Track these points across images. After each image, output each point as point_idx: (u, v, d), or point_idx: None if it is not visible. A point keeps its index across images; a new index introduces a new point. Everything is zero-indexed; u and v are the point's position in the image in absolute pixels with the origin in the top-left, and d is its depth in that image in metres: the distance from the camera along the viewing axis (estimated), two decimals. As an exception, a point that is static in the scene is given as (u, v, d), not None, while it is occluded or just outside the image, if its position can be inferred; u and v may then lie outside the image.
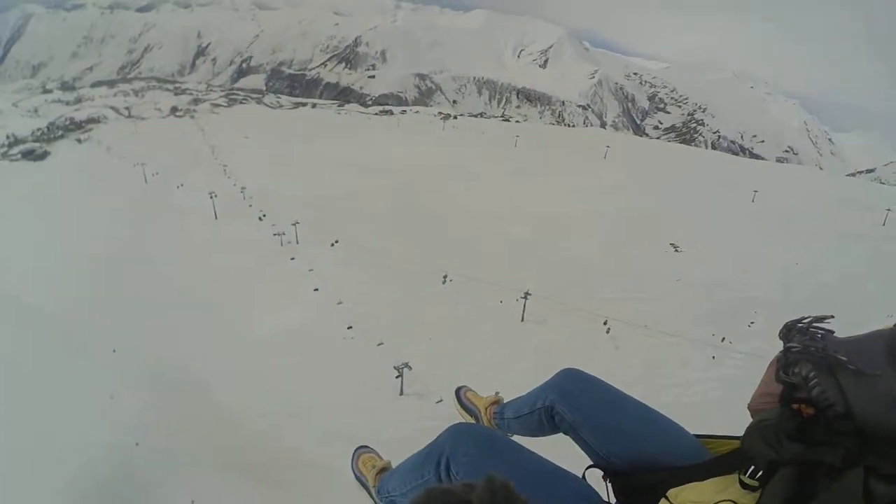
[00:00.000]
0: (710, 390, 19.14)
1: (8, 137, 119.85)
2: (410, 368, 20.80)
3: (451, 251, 35.80)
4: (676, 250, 37.12)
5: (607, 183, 53.34)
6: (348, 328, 26.53)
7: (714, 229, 40.95)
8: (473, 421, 3.67)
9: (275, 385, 25.11)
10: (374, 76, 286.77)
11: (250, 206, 48.71)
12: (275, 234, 38.99)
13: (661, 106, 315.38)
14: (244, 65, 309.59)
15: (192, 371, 28.41)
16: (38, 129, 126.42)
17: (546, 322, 25.92)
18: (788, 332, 1.87)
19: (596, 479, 2.39)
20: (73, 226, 48.66)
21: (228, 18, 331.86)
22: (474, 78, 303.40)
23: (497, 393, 3.77)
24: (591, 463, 2.51)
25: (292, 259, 36.05)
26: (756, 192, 48.97)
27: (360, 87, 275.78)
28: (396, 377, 20.75)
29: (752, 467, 1.75)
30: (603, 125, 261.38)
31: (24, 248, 44.69)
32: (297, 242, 38.94)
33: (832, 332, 1.80)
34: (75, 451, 18.73)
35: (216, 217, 47.16)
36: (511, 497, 1.17)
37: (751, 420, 1.91)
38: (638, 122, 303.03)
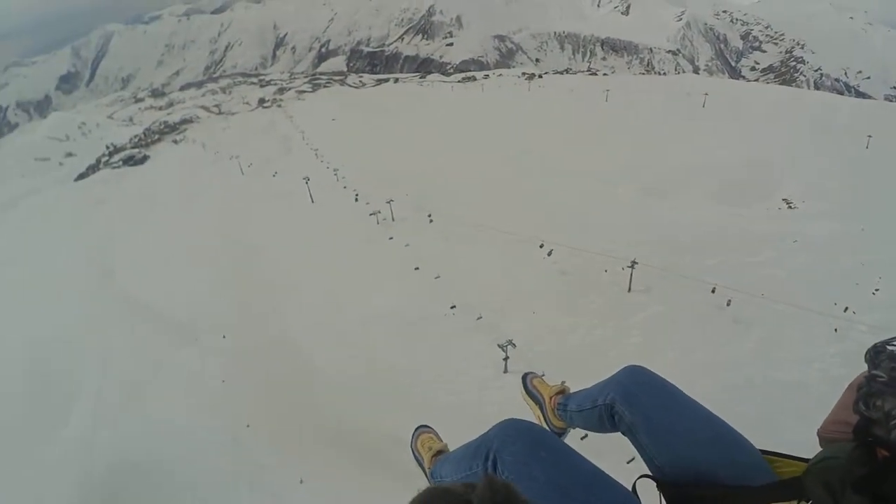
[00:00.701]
0: (832, 367, 17.12)
1: (108, 147, 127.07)
2: (514, 346, 19.96)
3: (552, 217, 33.85)
4: (790, 206, 33.97)
5: (709, 134, 49.42)
6: (451, 307, 25.46)
7: (829, 182, 36.70)
8: (538, 409, 3.62)
9: (379, 364, 24.41)
10: (452, 44, 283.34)
11: (344, 187, 48.27)
12: (371, 214, 38.35)
13: (756, 45, 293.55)
14: (323, 49, 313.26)
15: (299, 354, 28.28)
16: (135, 136, 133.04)
17: (654, 291, 23.99)
18: (876, 355, 1.61)
19: (650, 488, 2.25)
20: (176, 223, 50.09)
21: (301, 6, 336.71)
22: (555, 33, 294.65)
23: (563, 382, 3.59)
24: (646, 472, 2.35)
25: (390, 238, 35.29)
26: (870, 137, 43.21)
27: (440, 57, 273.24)
28: (504, 359, 19.91)
29: None
30: (696, 70, 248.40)
31: (134, 249, 46.37)
32: (393, 220, 38.14)
33: None
34: (186, 435, 17.76)
35: (312, 200, 47.25)
36: (511, 497, 1.18)
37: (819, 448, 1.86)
38: (733, 64, 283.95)
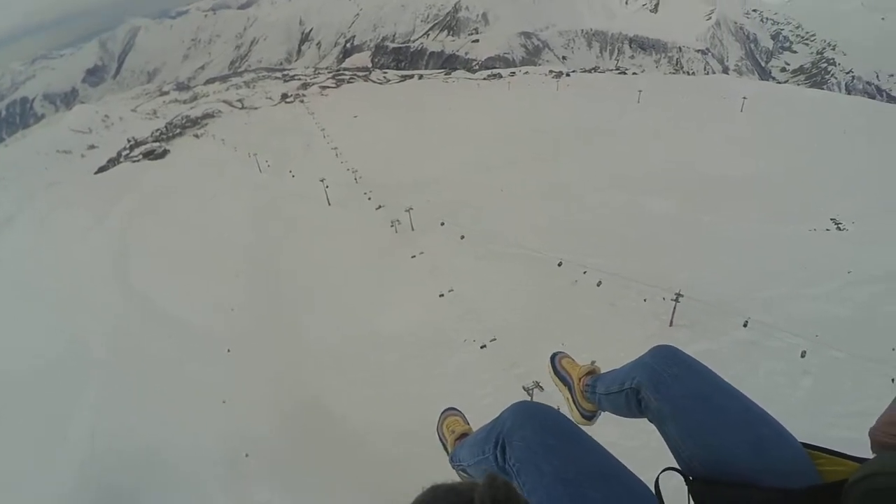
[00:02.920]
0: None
1: (129, 141, 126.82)
2: (542, 389, 18.70)
3: (585, 235, 31.28)
4: (839, 228, 31.00)
5: (749, 142, 46.46)
6: (482, 346, 23.30)
7: (879, 201, 33.51)
8: (567, 390, 3.43)
9: (392, 395, 22.60)
10: (477, 40, 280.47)
11: (365, 194, 45.84)
12: (391, 224, 36.42)
13: (787, 45, 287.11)
14: (348, 45, 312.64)
15: (306, 378, 26.54)
16: (157, 130, 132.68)
17: (699, 327, 21.59)
18: None
19: (674, 482, 2.07)
20: (191, 224, 48.38)
21: (327, 2, 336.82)
22: (582, 31, 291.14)
23: (593, 362, 3.40)
24: (672, 465, 2.14)
25: (413, 257, 32.98)
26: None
27: (466, 53, 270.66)
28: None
29: None
30: (725, 70, 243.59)
31: (148, 249, 44.81)
32: (413, 230, 36.08)
33: None
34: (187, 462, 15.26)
35: (329, 203, 45.26)
36: (512, 497, 1.16)
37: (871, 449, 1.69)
38: (763, 64, 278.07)
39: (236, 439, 21.88)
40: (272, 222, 44.07)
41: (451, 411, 3.78)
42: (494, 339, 23.56)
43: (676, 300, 21.05)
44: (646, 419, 2.46)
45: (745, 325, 20.24)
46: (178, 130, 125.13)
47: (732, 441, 1.97)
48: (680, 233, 30.74)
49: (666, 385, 2.28)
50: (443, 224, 35.28)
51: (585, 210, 35.25)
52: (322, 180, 45.53)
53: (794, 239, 29.33)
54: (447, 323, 25.03)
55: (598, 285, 25.25)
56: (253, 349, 28.40)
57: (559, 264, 27.35)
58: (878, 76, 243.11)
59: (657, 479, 2.00)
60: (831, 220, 31.74)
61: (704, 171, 39.37)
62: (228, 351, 28.75)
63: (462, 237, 33.32)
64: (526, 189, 40.54)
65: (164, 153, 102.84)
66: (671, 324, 21.36)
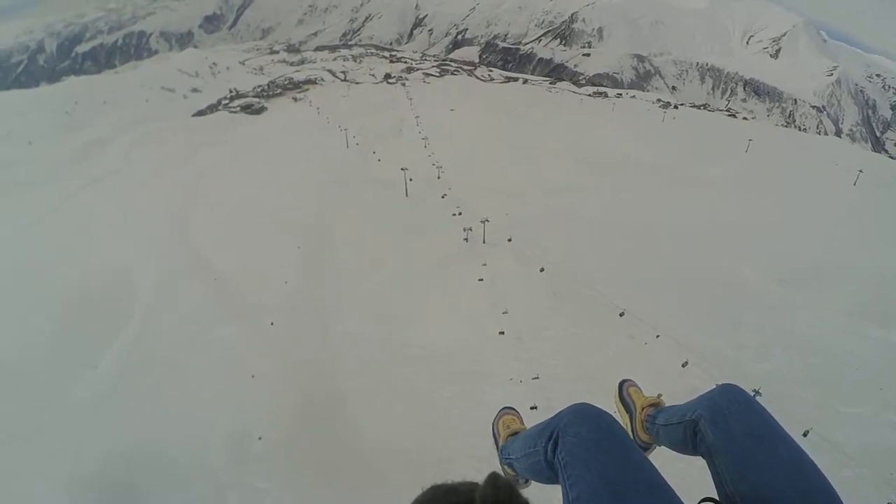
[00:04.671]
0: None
1: (230, 91, 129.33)
2: None
3: (672, 296, 28.63)
4: None
5: (856, 224, 42.18)
6: (537, 408, 21.37)
7: None
8: (628, 417, 3.41)
9: (423, 420, 21.02)
10: (588, 54, 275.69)
11: (444, 196, 44.21)
12: (464, 230, 34.71)
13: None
14: (459, 36, 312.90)
15: (336, 374, 25.38)
16: (259, 86, 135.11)
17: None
18: None
19: None
20: (266, 187, 47.99)
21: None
22: (697, 64, 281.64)
23: (660, 395, 3.42)
24: (713, 497, 2.17)
25: (481, 277, 30.76)
26: None
27: (574, 65, 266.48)
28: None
29: None
30: (838, 133, 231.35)
31: (216, 204, 44.61)
32: (484, 242, 34.33)
33: None
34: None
35: (407, 194, 43.94)
36: (514, 498, 1.18)
37: None
38: (878, 134, 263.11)
39: (253, 420, 21.32)
40: (345, 201, 43.16)
41: (508, 409, 3.76)
42: (537, 378, 21.85)
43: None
44: (695, 456, 2.44)
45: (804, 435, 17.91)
46: (278, 90, 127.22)
47: (781, 485, 1.95)
48: (768, 313, 27.82)
49: (725, 420, 2.26)
50: (510, 240, 34.12)
51: (666, 258, 32.69)
52: (404, 169, 44.33)
53: (890, 345, 26.01)
54: (494, 355, 23.26)
55: (675, 358, 22.98)
56: (295, 328, 27.40)
57: (636, 323, 25.17)
58: None
59: None
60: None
61: (805, 250, 35.59)
62: (272, 324, 27.83)
63: (542, 269, 31.29)
64: (608, 222, 38.13)
65: (262, 109, 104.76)
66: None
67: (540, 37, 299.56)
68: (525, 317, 25.98)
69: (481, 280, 30.15)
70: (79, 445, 19.71)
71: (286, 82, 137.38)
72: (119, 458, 19.25)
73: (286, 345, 25.90)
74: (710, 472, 2.25)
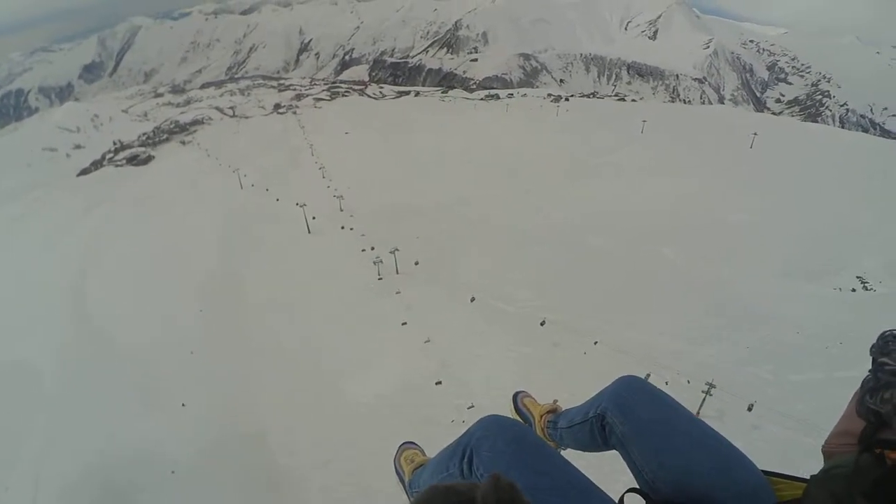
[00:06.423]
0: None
1: (115, 143, 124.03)
2: None
3: (593, 294, 28.06)
4: (866, 287, 28.18)
5: (762, 186, 42.98)
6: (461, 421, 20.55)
7: None
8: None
9: (362, 469, 20.05)
10: (476, 59, 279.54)
11: (350, 228, 42.14)
12: (373, 263, 33.26)
13: (782, 76, 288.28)
14: (347, 57, 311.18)
15: (266, 451, 24.13)
16: (145, 134, 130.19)
17: (728, 417, 19.22)
18: (885, 343, 1.57)
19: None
20: (162, 246, 45.19)
21: (329, 13, 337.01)
22: (581, 55, 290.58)
23: (555, 401, 3.35)
24: (635, 486, 2.18)
25: (404, 321, 28.91)
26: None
27: (464, 72, 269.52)
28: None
29: None
30: (721, 100, 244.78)
31: (113, 268, 41.85)
32: (398, 273, 33.03)
33: None
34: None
35: (309, 231, 42.22)
36: (516, 498, 1.18)
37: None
38: (758, 94, 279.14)
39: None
40: (245, 247, 41.19)
41: (408, 444, 3.46)
42: (472, 407, 21.08)
43: (708, 393, 18.40)
44: (605, 450, 2.46)
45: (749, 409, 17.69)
46: (165, 136, 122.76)
47: (697, 463, 1.99)
48: (697, 291, 27.80)
49: (632, 410, 2.26)
50: (417, 263, 33.29)
51: (598, 263, 32.19)
52: (303, 205, 42.70)
53: (817, 299, 26.48)
54: (425, 395, 22.34)
55: (608, 362, 22.48)
56: (206, 400, 25.61)
57: (567, 331, 24.64)
58: (871, 109, 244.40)
59: (622, 498, 2.00)
60: (857, 277, 29.01)
61: (719, 219, 36.44)
62: (183, 405, 25.93)
63: (472, 299, 30.14)
64: (522, 230, 37.66)
65: (149, 159, 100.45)
66: (698, 413, 18.58)
67: (427, 48, 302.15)
68: (454, 350, 25.03)
69: (405, 324, 28.54)
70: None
71: (172, 126, 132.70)
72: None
73: (199, 432, 24.09)
74: (625, 463, 2.23)
